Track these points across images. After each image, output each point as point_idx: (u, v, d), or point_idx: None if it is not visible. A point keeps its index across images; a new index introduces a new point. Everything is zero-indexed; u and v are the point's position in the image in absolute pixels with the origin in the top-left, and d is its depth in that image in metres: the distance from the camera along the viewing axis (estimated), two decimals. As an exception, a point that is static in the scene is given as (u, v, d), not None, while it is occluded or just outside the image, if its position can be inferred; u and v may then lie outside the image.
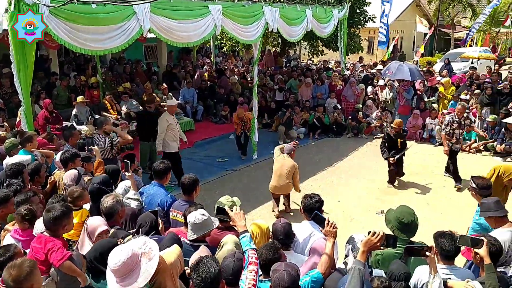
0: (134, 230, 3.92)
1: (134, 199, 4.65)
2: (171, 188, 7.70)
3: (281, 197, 7.72)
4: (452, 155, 8.84)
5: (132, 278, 2.76)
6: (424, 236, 3.92)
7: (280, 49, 20.59)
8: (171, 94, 13.36)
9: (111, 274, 2.78)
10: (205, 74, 15.87)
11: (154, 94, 12.57)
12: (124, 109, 11.41)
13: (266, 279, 3.05)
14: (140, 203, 4.67)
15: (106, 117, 8.46)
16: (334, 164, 10.28)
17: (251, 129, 10.47)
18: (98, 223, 3.72)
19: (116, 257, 2.72)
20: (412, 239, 3.71)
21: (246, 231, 3.21)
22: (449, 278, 3.26)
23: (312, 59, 21.76)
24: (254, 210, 7.63)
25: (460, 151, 10.85)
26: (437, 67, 18.35)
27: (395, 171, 8.82)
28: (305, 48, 21.29)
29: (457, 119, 8.61)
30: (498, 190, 5.65)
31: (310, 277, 3.18)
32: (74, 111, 10.08)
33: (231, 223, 3.62)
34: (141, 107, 11.02)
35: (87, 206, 4.49)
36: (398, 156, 8.67)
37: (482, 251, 3.18)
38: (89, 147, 6.45)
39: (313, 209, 3.89)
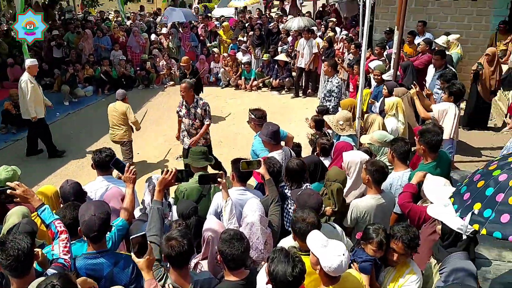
0: None
1: None
2: None
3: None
4: None
5: None
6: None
7: (50, 0, 18.33)
8: None
9: None
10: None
11: None
12: None
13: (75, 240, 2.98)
14: None
15: None
16: (129, 118, 10.01)
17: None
18: None
19: None
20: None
21: (43, 204, 2.94)
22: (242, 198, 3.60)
23: (89, 11, 20.08)
24: (44, 180, 6.98)
25: (245, 90, 11.97)
26: (215, 12, 19.13)
27: None
28: (79, -1, 19.50)
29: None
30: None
31: (115, 226, 3.13)
32: None
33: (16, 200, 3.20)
34: None
35: None
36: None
37: (262, 170, 3.62)
38: None
39: (105, 163, 3.77)
